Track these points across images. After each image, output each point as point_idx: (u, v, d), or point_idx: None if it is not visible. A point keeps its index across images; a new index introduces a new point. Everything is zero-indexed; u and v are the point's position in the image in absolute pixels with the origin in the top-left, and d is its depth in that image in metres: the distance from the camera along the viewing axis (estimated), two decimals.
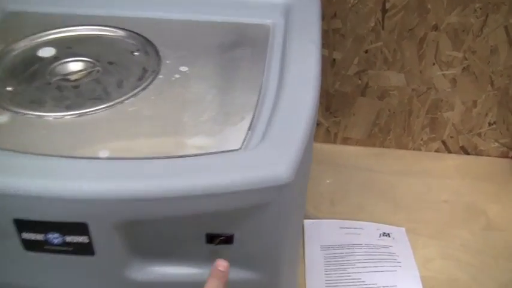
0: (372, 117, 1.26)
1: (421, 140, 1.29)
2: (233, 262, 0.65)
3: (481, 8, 1.08)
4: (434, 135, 1.28)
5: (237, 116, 0.69)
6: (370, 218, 1.16)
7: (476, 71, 1.16)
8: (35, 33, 0.81)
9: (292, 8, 0.86)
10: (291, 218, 0.66)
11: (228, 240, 0.63)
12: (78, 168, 0.60)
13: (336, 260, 1.07)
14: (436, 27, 1.11)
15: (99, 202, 0.58)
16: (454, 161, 1.30)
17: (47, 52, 0.79)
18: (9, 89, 0.73)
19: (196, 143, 0.65)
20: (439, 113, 1.24)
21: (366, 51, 1.16)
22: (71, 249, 0.62)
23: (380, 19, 1.11)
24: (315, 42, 0.78)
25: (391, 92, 1.21)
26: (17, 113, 0.69)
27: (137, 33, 0.82)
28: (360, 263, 1.06)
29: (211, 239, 0.63)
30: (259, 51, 0.80)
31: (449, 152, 1.31)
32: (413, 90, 1.21)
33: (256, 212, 0.61)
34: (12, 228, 0.60)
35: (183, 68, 0.77)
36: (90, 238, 0.61)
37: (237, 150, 0.64)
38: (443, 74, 1.17)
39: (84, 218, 0.59)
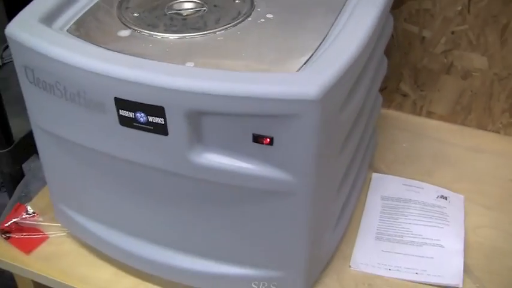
0: (455, 95, 1.42)
1: (501, 123, 1.42)
2: (273, 162, 0.88)
3: None
4: None
5: (299, 53, 0.91)
6: (433, 183, 1.31)
7: None
8: None
9: None
10: (326, 135, 0.85)
11: (269, 141, 0.85)
12: (167, 68, 0.86)
13: (392, 209, 1.26)
14: None
15: (173, 92, 0.82)
16: None
17: None
18: (135, 14, 1.01)
19: (260, 67, 0.89)
20: None
21: (453, 33, 1.33)
22: (151, 128, 0.86)
23: (466, 4, 1.28)
24: (378, 6, 0.99)
25: (474, 74, 1.36)
26: (136, 30, 0.97)
27: None
28: (412, 215, 1.24)
29: (256, 138, 0.86)
30: (333, 9, 1.01)
31: None
32: (495, 74, 1.35)
33: (290, 121, 0.82)
34: (112, 105, 0.86)
35: (269, 15, 1.00)
36: (165, 120, 0.85)
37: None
38: None
39: (162, 102, 0.83)
